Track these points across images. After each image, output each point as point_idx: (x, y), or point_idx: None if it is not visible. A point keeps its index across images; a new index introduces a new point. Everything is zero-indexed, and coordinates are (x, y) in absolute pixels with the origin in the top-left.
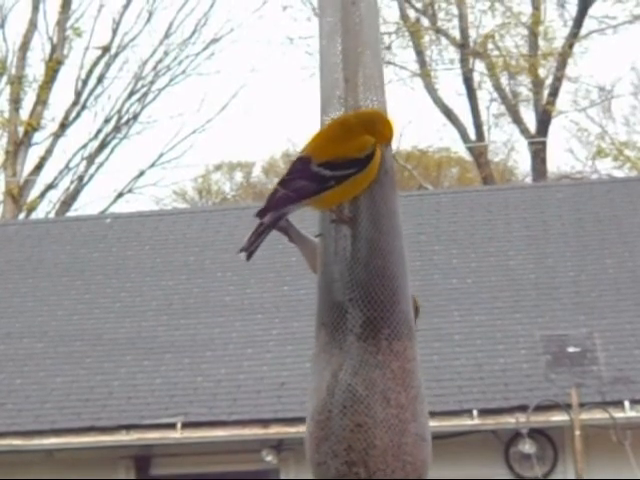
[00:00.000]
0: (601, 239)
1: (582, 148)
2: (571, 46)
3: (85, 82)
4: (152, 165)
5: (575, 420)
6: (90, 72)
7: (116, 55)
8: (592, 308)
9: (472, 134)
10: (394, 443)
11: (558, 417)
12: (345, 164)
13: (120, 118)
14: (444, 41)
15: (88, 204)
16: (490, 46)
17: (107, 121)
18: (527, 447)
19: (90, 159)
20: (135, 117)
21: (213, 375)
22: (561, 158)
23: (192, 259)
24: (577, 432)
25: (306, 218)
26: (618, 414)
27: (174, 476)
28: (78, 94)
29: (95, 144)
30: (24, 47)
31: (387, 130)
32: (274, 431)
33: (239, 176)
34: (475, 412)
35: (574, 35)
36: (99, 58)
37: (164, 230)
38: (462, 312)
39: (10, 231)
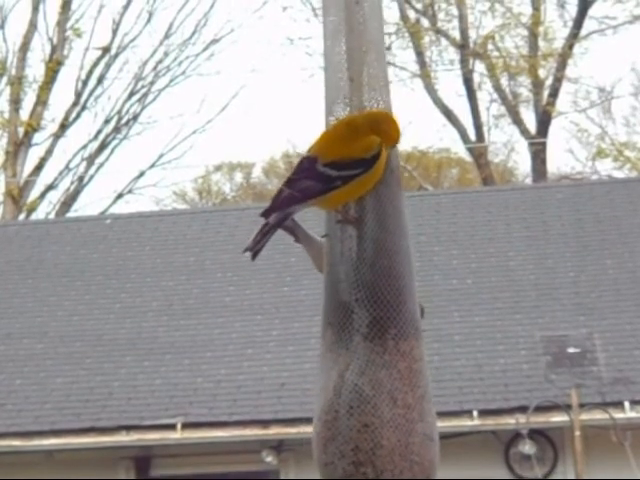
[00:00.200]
0: (601, 240)
1: (582, 149)
2: (571, 47)
3: (85, 83)
4: (152, 166)
5: (575, 421)
6: (90, 73)
7: (116, 56)
8: (592, 309)
9: (472, 135)
10: (401, 443)
11: (558, 418)
12: (351, 164)
13: (120, 119)
14: (444, 42)
15: (88, 205)
16: (490, 47)
17: (107, 122)
18: (527, 448)
19: (90, 160)
20: (135, 118)
21: (213, 376)
22: (561, 159)
23: (192, 260)
24: (577, 433)
25: (312, 218)
26: (618, 415)
27: (174, 477)
28: (78, 95)
29: (95, 145)
30: (24, 48)
31: (394, 131)
32: (274, 432)
33: (239, 177)
34: (475, 413)
35: (574, 36)
36: (99, 59)
37: (164, 231)
38: (462, 313)
39: (10, 232)
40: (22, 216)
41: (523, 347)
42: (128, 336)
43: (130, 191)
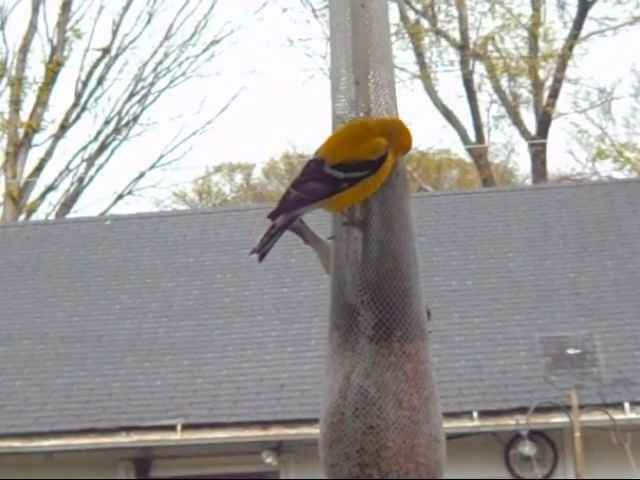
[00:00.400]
0: (601, 241)
1: (582, 150)
2: (571, 48)
3: (85, 84)
4: (152, 167)
5: (575, 422)
6: (90, 74)
7: (116, 57)
8: (592, 310)
9: (472, 136)
10: (407, 445)
11: (558, 419)
12: (358, 166)
13: (120, 120)
14: (444, 43)
15: (88, 206)
16: (490, 48)
17: (107, 123)
18: (527, 449)
19: (90, 161)
20: (135, 119)
21: (213, 377)
22: (561, 160)
23: (192, 261)
24: (577, 434)
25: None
26: (618, 416)
27: (174, 478)
28: (78, 96)
29: (95, 146)
30: (24, 49)
31: (406, 140)
32: (274, 433)
33: (239, 178)
34: (475, 414)
35: (574, 37)
36: (99, 60)
37: (164, 232)
38: (462, 314)
39: (10, 233)
40: (22, 217)
41: (523, 348)
42: (128, 337)
43: (130, 192)
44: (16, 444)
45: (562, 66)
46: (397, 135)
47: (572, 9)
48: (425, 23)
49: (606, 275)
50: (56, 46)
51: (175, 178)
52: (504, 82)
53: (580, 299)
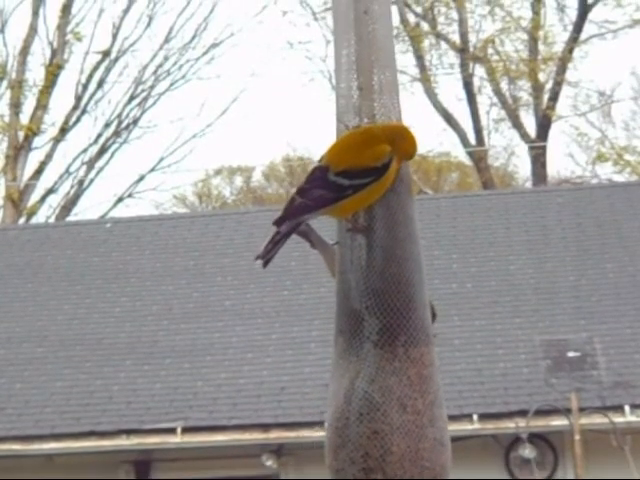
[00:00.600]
0: (601, 244)
1: (582, 153)
2: (571, 51)
3: (85, 87)
4: (152, 170)
5: (575, 425)
6: (90, 77)
7: (116, 60)
8: (592, 313)
9: (472, 139)
10: (411, 449)
11: (558, 422)
12: (362, 173)
13: (120, 123)
14: (444, 46)
15: (88, 209)
16: (490, 51)
17: (107, 125)
18: (527, 452)
19: (90, 164)
20: (135, 122)
21: (213, 380)
22: (561, 163)
23: (192, 264)
24: (577, 437)
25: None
26: (618, 419)
27: None
28: (78, 98)
29: (95, 149)
30: (24, 51)
31: (410, 147)
32: (274, 436)
33: (239, 181)
34: (475, 417)
35: (574, 40)
36: (99, 63)
37: (164, 235)
38: (462, 317)
39: (10, 236)
40: (22, 220)
41: (523, 351)
42: (128, 340)
43: (130, 195)
44: (16, 447)
45: (562, 69)
46: (401, 141)
47: (572, 12)
48: (425, 26)
49: (606, 278)
50: (56, 49)
51: (175, 181)
52: (504, 85)
53: (580, 302)
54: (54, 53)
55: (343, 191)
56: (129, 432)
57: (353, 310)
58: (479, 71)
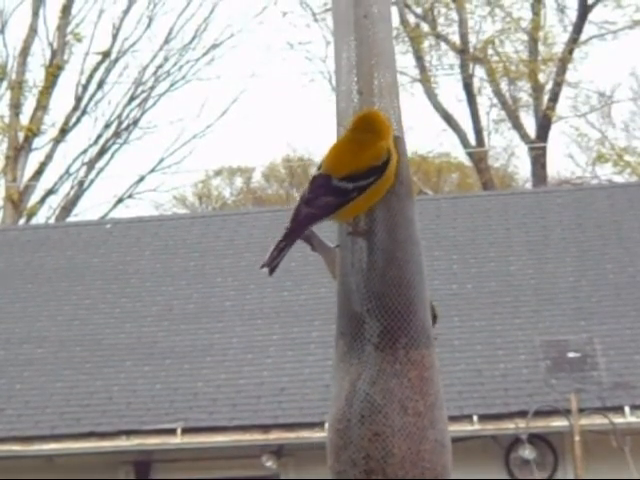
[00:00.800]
0: (601, 244)
1: (582, 153)
2: (571, 51)
3: (85, 87)
4: (152, 170)
5: (575, 425)
6: (90, 77)
7: (116, 60)
8: (592, 313)
9: (472, 139)
10: (412, 451)
11: (558, 422)
12: (364, 174)
13: (120, 123)
14: (444, 46)
15: (88, 209)
16: (490, 51)
17: (107, 126)
18: (527, 452)
19: (90, 164)
20: (135, 122)
21: (213, 380)
22: (561, 163)
23: (192, 264)
24: (577, 437)
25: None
26: (618, 419)
27: None
28: (78, 99)
29: (95, 149)
30: (24, 52)
31: (387, 125)
32: (274, 436)
33: (239, 181)
34: (475, 417)
35: (574, 40)
36: (99, 63)
37: (164, 235)
38: (462, 317)
39: (10, 236)
40: (22, 221)
41: (523, 352)
42: (128, 341)
43: (130, 196)
44: (16, 448)
45: (562, 70)
46: (381, 126)
47: (572, 13)
48: (425, 27)
49: (606, 279)
50: (56, 50)
51: (175, 182)
52: (504, 86)
53: (580, 303)
54: (54, 54)
55: (348, 195)
56: (129, 433)
57: (354, 313)
58: (479, 72)
